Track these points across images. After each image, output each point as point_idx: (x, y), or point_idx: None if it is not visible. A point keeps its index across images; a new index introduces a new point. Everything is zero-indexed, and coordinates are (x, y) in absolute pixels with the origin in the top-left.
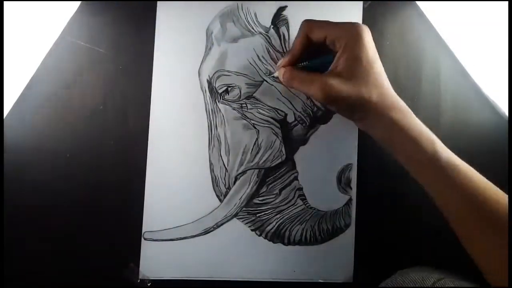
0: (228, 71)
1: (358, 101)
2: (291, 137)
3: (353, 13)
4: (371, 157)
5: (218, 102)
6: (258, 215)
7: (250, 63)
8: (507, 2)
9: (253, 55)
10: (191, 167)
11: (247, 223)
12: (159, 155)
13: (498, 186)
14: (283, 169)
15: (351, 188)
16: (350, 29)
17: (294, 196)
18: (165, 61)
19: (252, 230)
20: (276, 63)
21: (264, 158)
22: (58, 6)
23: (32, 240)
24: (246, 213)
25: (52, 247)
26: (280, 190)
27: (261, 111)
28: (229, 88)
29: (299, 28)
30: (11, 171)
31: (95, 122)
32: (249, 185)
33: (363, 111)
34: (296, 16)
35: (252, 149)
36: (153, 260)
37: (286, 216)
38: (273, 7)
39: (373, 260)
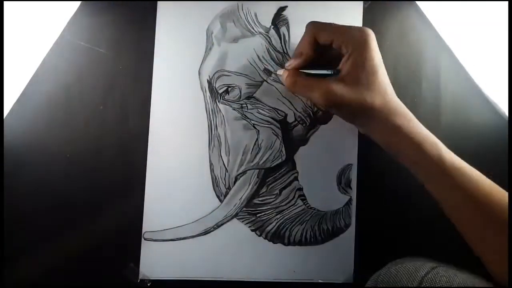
0: (228, 71)
1: (360, 107)
2: (291, 137)
3: (354, 13)
4: (371, 157)
5: (218, 102)
6: (258, 215)
7: (250, 63)
8: (507, 2)
9: (253, 55)
10: (191, 167)
11: (247, 223)
12: (159, 155)
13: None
14: (283, 170)
15: (351, 188)
16: (358, 34)
17: (294, 197)
18: (165, 61)
19: (252, 230)
20: (276, 63)
21: (264, 159)
22: (58, 6)
23: (32, 240)
24: (246, 214)
25: (52, 247)
26: (280, 190)
27: (261, 111)
28: (229, 88)
29: (305, 31)
30: (11, 171)
31: (95, 122)
32: (249, 185)
33: (366, 116)
34: (296, 16)
35: (252, 149)
36: (153, 260)
37: (286, 217)
38: (273, 7)
39: (373, 260)
